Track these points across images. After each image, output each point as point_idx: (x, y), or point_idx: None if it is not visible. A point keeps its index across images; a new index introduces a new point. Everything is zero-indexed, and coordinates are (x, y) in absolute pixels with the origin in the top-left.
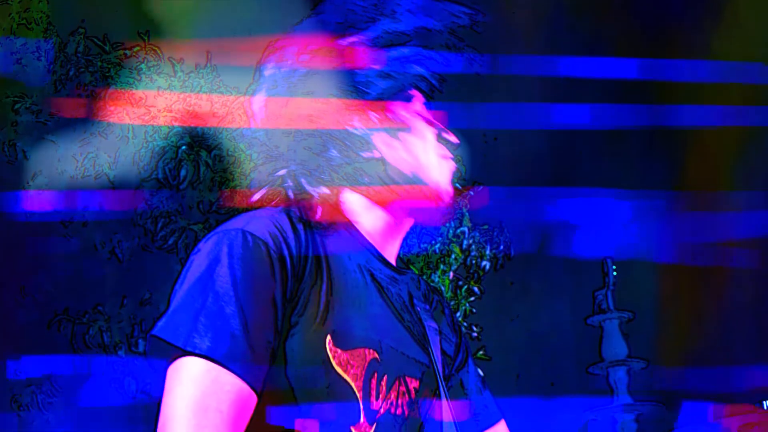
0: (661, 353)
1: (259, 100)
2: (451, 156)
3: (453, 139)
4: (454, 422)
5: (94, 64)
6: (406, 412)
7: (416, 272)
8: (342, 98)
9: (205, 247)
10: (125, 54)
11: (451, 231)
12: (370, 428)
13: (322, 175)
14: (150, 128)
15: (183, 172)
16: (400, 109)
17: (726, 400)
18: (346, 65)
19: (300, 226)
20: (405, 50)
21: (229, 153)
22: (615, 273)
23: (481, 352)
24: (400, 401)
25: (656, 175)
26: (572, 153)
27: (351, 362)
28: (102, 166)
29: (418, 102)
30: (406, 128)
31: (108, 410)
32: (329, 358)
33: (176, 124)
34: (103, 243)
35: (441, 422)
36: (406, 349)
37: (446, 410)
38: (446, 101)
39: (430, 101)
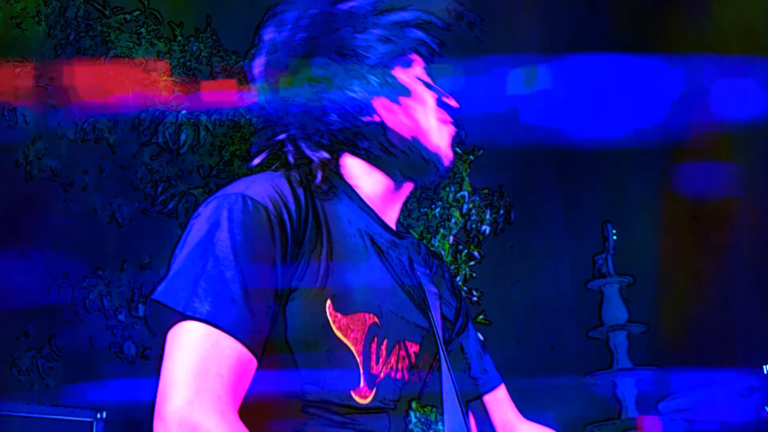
0: (661, 317)
1: (258, 65)
2: (451, 120)
3: (453, 103)
4: (454, 386)
5: (94, 29)
6: (406, 377)
7: (416, 237)
8: (342, 63)
9: (205, 211)
10: (125, 18)
11: (451, 195)
12: (370, 392)
13: (322, 140)
14: (150, 92)
15: (183, 137)
16: (400, 73)
17: (726, 364)
18: (346, 30)
19: (300, 191)
20: (405, 14)
21: (229, 117)
22: (615, 237)
23: (481, 317)
24: (400, 365)
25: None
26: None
27: (351, 326)
28: (102, 131)
29: (418, 66)
30: (406, 92)
31: (108, 373)
32: (329, 323)
33: (176, 88)
34: (103, 207)
35: (441, 386)
36: (406, 313)
37: (446, 374)
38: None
39: (430, 65)
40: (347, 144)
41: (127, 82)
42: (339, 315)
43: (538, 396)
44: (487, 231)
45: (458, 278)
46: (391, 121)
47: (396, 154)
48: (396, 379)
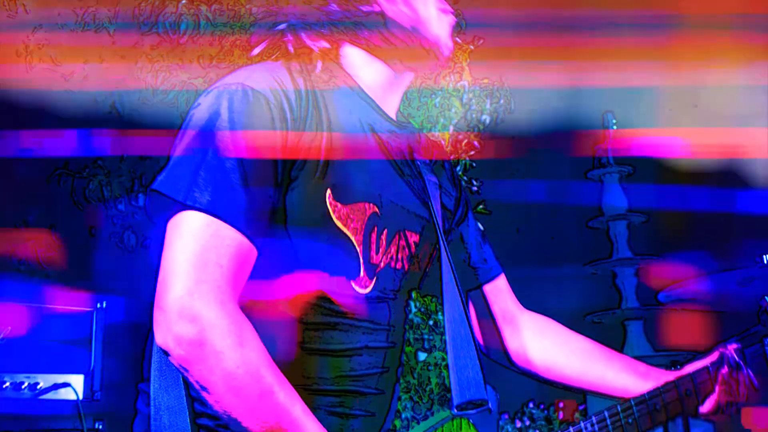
0: (661, 207)
1: None
2: (451, 10)
3: None
4: (454, 276)
5: None
6: (406, 266)
7: (416, 126)
8: None
9: (205, 101)
10: None
11: (451, 85)
12: (370, 282)
13: (322, 30)
14: None
15: (183, 26)
16: None
17: (726, 253)
18: None
19: (300, 81)
20: None
21: (229, 7)
22: (615, 127)
23: (480, 206)
24: (400, 255)
25: None
26: None
27: (351, 216)
28: (102, 20)
29: None
30: None
31: (108, 263)
32: (329, 213)
33: None
34: (104, 97)
35: (441, 276)
36: (406, 203)
37: (446, 264)
38: None
39: None
40: (347, 34)
41: None
42: (339, 205)
43: (537, 286)
44: (487, 121)
45: (458, 168)
46: (391, 11)
47: (396, 44)
48: (396, 269)
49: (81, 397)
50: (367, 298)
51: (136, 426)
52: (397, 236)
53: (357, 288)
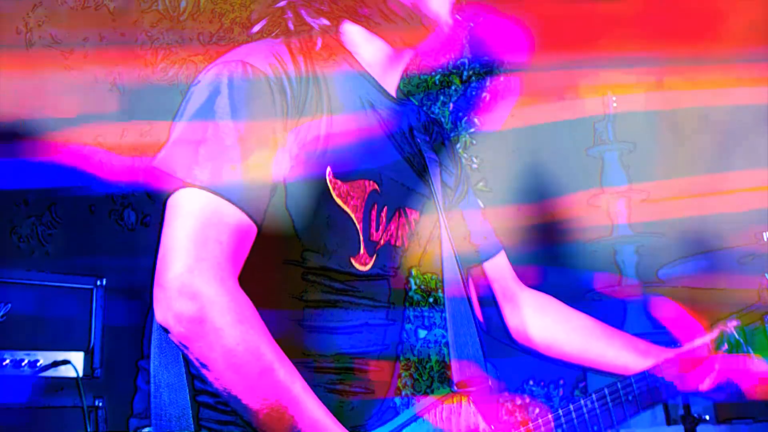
0: (660, 185)
1: None
2: None
3: None
4: (454, 253)
5: None
6: (406, 244)
7: (416, 103)
8: None
9: (205, 78)
10: None
11: (451, 62)
12: (370, 259)
13: (322, 7)
14: None
15: (183, 4)
16: None
17: (725, 231)
18: None
19: (300, 58)
20: None
21: None
22: (615, 104)
23: (481, 184)
24: (400, 233)
25: None
26: None
27: (351, 194)
28: None
29: None
30: None
31: (108, 240)
32: (329, 190)
33: None
34: (104, 75)
35: (441, 253)
36: (406, 180)
37: (446, 241)
38: None
39: None
40: (347, 11)
41: None
42: (339, 182)
43: (537, 263)
44: (488, 98)
45: (458, 145)
46: None
47: (396, 21)
48: (396, 246)
49: (81, 374)
50: (368, 275)
51: (135, 403)
52: (397, 213)
53: (357, 265)
